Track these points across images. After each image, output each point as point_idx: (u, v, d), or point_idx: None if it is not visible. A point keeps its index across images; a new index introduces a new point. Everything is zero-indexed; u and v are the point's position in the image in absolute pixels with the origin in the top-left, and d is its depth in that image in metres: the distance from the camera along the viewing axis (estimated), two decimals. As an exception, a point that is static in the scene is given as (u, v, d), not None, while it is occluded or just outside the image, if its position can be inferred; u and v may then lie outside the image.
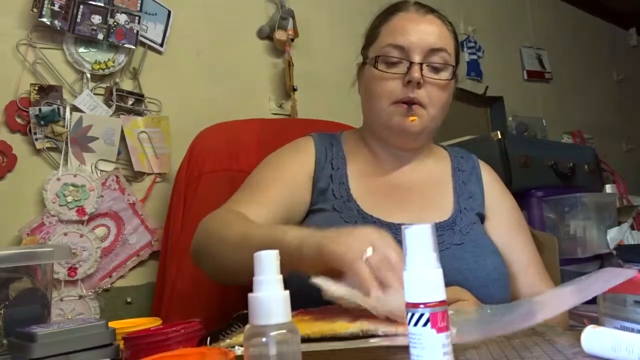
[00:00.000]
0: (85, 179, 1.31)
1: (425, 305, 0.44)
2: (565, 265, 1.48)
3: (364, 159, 1.02)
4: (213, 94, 1.60)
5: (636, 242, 1.53)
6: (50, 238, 1.26)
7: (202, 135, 1.31)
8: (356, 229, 0.65)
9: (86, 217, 1.30)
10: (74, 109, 1.34)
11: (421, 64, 0.92)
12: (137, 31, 1.41)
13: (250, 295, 0.43)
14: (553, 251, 1.35)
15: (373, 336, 0.56)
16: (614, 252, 1.49)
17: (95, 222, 1.34)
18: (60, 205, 1.27)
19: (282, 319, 0.42)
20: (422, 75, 0.92)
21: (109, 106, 1.39)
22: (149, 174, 1.44)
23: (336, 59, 1.88)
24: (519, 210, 1.08)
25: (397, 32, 0.95)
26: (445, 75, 0.95)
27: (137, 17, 1.42)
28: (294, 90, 1.72)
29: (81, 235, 1.30)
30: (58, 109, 1.30)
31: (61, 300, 1.26)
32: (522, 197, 1.54)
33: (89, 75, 1.36)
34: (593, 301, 0.61)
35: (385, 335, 0.56)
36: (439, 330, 0.43)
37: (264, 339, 0.41)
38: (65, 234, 1.28)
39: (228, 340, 0.58)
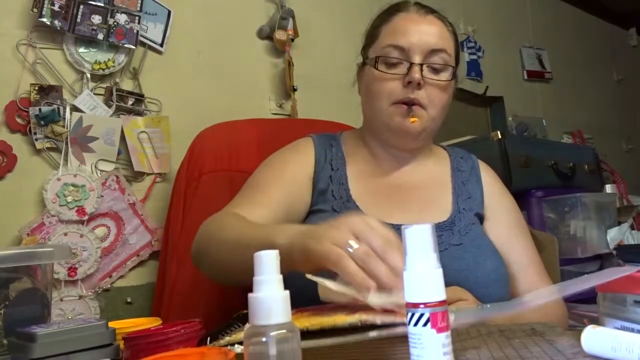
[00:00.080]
0: (85, 179, 1.31)
1: (425, 305, 0.44)
2: (565, 265, 1.48)
3: (364, 159, 1.02)
4: (213, 94, 1.60)
5: (636, 242, 1.53)
6: (50, 238, 1.26)
7: (202, 135, 1.31)
8: (337, 219, 0.63)
9: (86, 217, 1.30)
10: (74, 109, 1.34)
11: (421, 65, 0.92)
12: (137, 31, 1.41)
13: (250, 295, 0.43)
14: (553, 251, 1.35)
15: (372, 327, 0.56)
16: (614, 252, 1.49)
17: (95, 222, 1.34)
18: (60, 205, 1.27)
19: (282, 319, 0.42)
20: (422, 76, 0.92)
21: (109, 106, 1.39)
22: (149, 174, 1.44)
23: (336, 59, 1.88)
24: (519, 210, 1.08)
25: (398, 33, 0.95)
26: (445, 76, 0.95)
27: (137, 17, 1.42)
28: (294, 90, 1.72)
29: (81, 235, 1.30)
30: (58, 109, 1.30)
31: (61, 300, 1.26)
32: (522, 197, 1.54)
33: (89, 75, 1.36)
34: (593, 301, 0.61)
35: (384, 325, 0.56)
36: (439, 330, 0.43)
37: (264, 339, 0.41)
38: (65, 234, 1.28)
39: (227, 338, 0.58)
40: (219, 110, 1.53)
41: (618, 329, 0.54)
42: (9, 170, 1.25)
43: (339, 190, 0.96)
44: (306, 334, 0.56)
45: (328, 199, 0.95)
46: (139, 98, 1.44)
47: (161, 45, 1.51)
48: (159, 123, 1.46)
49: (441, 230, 0.92)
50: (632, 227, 1.57)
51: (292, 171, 0.97)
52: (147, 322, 0.71)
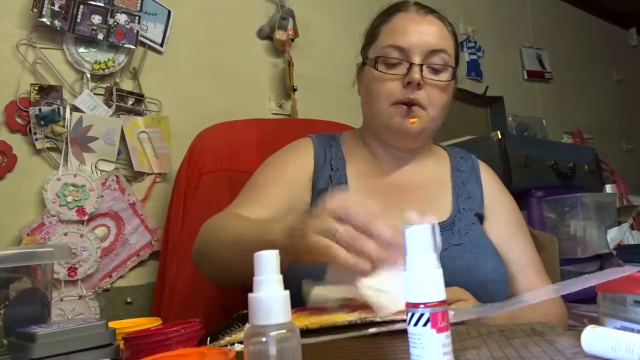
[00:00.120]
0: (85, 179, 1.31)
1: (425, 305, 0.44)
2: (565, 265, 1.48)
3: (363, 159, 1.02)
4: (213, 94, 1.60)
5: (636, 242, 1.53)
6: (50, 238, 1.26)
7: (202, 135, 1.31)
8: (317, 207, 0.62)
9: (86, 217, 1.30)
10: (74, 109, 1.34)
11: (421, 65, 0.92)
12: (137, 31, 1.41)
13: (250, 295, 0.43)
14: (553, 251, 1.35)
15: (371, 323, 0.56)
16: (614, 252, 1.49)
17: (95, 222, 1.34)
18: (60, 205, 1.27)
19: (282, 319, 0.42)
20: (422, 76, 0.92)
21: (109, 106, 1.39)
22: (149, 174, 1.44)
23: (336, 59, 1.88)
24: (518, 210, 1.08)
25: (398, 33, 0.95)
26: (445, 76, 0.95)
27: (137, 17, 1.42)
28: (294, 90, 1.72)
29: (81, 235, 1.30)
30: (58, 109, 1.30)
31: (61, 300, 1.26)
32: (522, 197, 1.54)
33: (89, 75, 1.36)
34: (593, 301, 0.61)
35: (383, 321, 0.56)
36: (439, 330, 0.43)
37: (264, 339, 0.41)
38: (65, 234, 1.28)
39: (227, 338, 0.58)
40: (219, 110, 1.53)
41: (618, 329, 0.54)
42: (9, 170, 1.25)
43: (339, 190, 0.96)
44: (306, 332, 0.56)
45: (328, 198, 0.95)
46: (139, 98, 1.44)
47: (161, 45, 1.51)
48: (159, 123, 1.46)
49: (441, 230, 0.92)
50: (632, 227, 1.57)
51: (292, 171, 0.97)
52: (147, 322, 0.71)
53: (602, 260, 1.58)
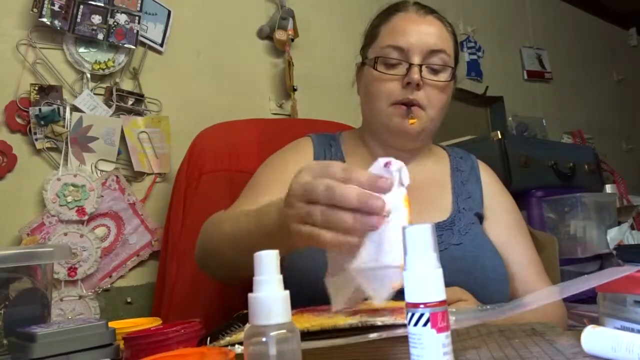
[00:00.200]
0: (85, 179, 1.31)
1: (425, 305, 0.44)
2: (565, 265, 1.48)
3: (363, 159, 1.02)
4: (213, 94, 1.60)
5: (636, 242, 1.53)
6: (50, 238, 1.26)
7: (202, 135, 1.31)
8: (287, 194, 0.60)
9: (86, 217, 1.30)
10: (74, 109, 1.34)
11: (420, 66, 0.92)
12: (137, 31, 1.41)
13: (250, 295, 0.43)
14: (553, 251, 1.35)
15: (372, 327, 0.56)
16: (614, 252, 1.49)
17: (95, 222, 1.34)
18: (60, 205, 1.27)
19: (282, 319, 0.42)
20: (421, 76, 0.92)
21: (109, 106, 1.39)
22: (149, 174, 1.44)
23: (336, 59, 1.88)
24: (518, 210, 1.08)
25: (397, 33, 0.95)
26: (444, 76, 0.95)
27: (137, 17, 1.42)
28: (294, 90, 1.72)
29: (81, 235, 1.30)
30: (58, 109, 1.30)
31: (61, 300, 1.26)
32: (522, 197, 1.54)
33: (89, 75, 1.36)
34: (593, 301, 0.61)
35: (384, 326, 0.56)
36: (439, 330, 0.43)
37: (264, 339, 0.41)
38: (65, 234, 1.28)
39: (228, 338, 0.59)
40: (219, 110, 1.53)
41: (618, 329, 0.54)
42: (9, 170, 1.25)
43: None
44: (306, 335, 0.56)
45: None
46: (139, 98, 1.44)
47: (161, 45, 1.51)
48: (159, 123, 1.46)
49: (441, 229, 0.93)
50: (632, 227, 1.57)
51: (293, 171, 0.95)
52: (147, 322, 0.71)
53: (602, 260, 1.58)
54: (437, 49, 0.94)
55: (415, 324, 0.44)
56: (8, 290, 0.67)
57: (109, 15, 1.37)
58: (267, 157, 1.04)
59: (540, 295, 0.67)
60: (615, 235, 1.53)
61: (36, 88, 1.29)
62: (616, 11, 3.41)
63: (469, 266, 0.88)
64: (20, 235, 1.24)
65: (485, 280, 0.87)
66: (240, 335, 0.58)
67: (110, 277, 1.35)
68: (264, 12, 1.75)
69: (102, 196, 1.34)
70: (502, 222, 1.02)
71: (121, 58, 1.40)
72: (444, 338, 0.44)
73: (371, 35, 1.01)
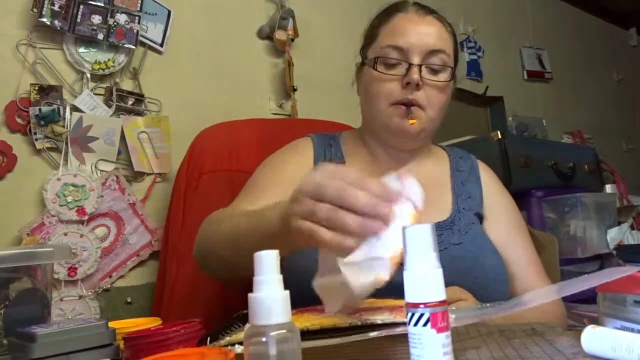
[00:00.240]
0: (85, 179, 1.31)
1: (425, 305, 0.44)
2: (565, 265, 1.48)
3: (363, 159, 1.02)
4: (213, 94, 1.60)
5: (636, 242, 1.53)
6: (50, 238, 1.26)
7: (202, 135, 1.31)
8: (295, 190, 0.60)
9: (86, 217, 1.30)
10: (74, 109, 1.34)
11: (420, 66, 0.92)
12: (137, 31, 1.41)
13: (250, 295, 0.43)
14: (553, 251, 1.35)
15: (372, 326, 0.56)
16: (614, 252, 1.49)
17: (95, 222, 1.34)
18: (60, 205, 1.27)
19: (282, 319, 0.42)
20: (421, 76, 0.92)
21: (109, 106, 1.39)
22: (149, 174, 1.44)
23: (336, 59, 1.88)
24: (518, 211, 1.08)
25: (397, 33, 0.95)
26: (444, 76, 0.95)
27: (137, 17, 1.42)
28: (294, 90, 1.72)
29: (81, 235, 1.30)
30: (58, 109, 1.30)
31: (61, 300, 1.26)
32: (522, 197, 1.54)
33: (89, 75, 1.36)
34: (593, 301, 0.61)
35: (384, 324, 0.56)
36: (439, 330, 0.43)
37: (264, 339, 0.41)
38: (65, 234, 1.28)
39: (228, 338, 0.59)
40: (219, 110, 1.53)
41: (618, 329, 0.54)
42: (9, 170, 1.25)
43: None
44: (306, 334, 0.56)
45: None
46: (139, 98, 1.44)
47: (161, 45, 1.51)
48: (159, 123, 1.46)
49: (441, 229, 0.93)
50: (632, 227, 1.57)
51: (292, 171, 0.97)
52: (147, 322, 0.71)
53: (602, 260, 1.58)
54: (436, 49, 0.94)
55: (415, 324, 0.44)
56: (8, 290, 0.67)
57: (109, 15, 1.37)
58: (267, 157, 1.04)
59: (539, 294, 0.67)
60: (615, 235, 1.53)
61: (36, 88, 1.29)
62: (616, 11, 3.41)
63: (469, 266, 0.88)
64: (20, 235, 1.24)
65: (485, 280, 0.87)
66: (240, 335, 0.58)
67: (110, 277, 1.35)
68: (264, 12, 1.75)
69: (102, 196, 1.34)
70: (502, 222, 1.02)
71: (121, 58, 1.40)
72: (444, 338, 0.44)
73: (371, 36, 1.01)
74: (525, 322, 0.67)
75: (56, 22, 1.30)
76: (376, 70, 0.95)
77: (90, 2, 1.35)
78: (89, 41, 1.36)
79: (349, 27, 1.87)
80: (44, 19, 1.29)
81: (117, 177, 1.38)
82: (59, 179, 1.28)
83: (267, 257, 0.44)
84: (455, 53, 1.00)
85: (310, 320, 0.59)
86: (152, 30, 1.49)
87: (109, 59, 1.39)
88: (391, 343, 0.56)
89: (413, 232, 0.46)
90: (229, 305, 1.13)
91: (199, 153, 1.28)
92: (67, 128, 1.31)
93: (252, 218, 0.75)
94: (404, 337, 0.46)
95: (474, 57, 2.48)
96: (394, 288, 0.53)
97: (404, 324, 0.46)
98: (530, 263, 0.99)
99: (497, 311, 0.57)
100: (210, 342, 0.60)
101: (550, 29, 2.97)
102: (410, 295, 0.45)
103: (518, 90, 2.71)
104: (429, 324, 0.43)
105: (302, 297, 0.58)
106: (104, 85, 1.40)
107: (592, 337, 0.50)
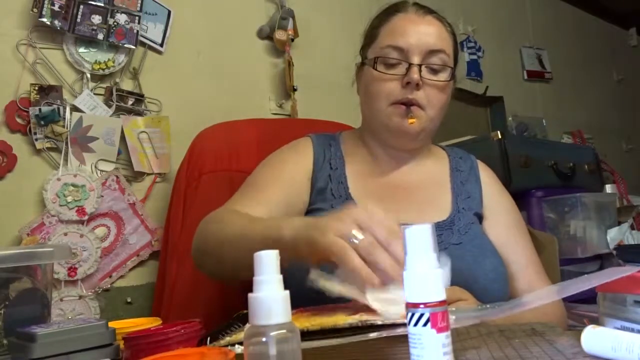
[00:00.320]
0: (85, 179, 1.31)
1: (425, 305, 0.44)
2: (565, 265, 1.48)
3: (363, 159, 1.02)
4: (213, 94, 1.60)
5: (636, 242, 1.53)
6: (50, 238, 1.26)
7: (202, 135, 1.31)
8: (344, 212, 0.63)
9: (86, 217, 1.30)
10: (74, 109, 1.34)
11: (420, 65, 0.92)
12: (137, 31, 1.41)
13: (250, 295, 0.43)
14: (553, 251, 1.35)
15: (372, 326, 0.56)
16: (614, 252, 1.49)
17: (95, 222, 1.34)
18: (60, 205, 1.27)
19: (282, 319, 0.42)
20: (420, 76, 0.92)
21: (109, 106, 1.39)
22: (149, 174, 1.44)
23: (336, 59, 1.88)
24: (518, 211, 1.08)
25: (397, 33, 0.95)
26: (443, 76, 0.95)
27: (137, 17, 1.42)
28: (294, 90, 1.72)
29: (81, 235, 1.30)
30: (58, 109, 1.30)
31: (61, 300, 1.26)
32: (522, 197, 1.54)
33: (89, 75, 1.36)
34: (593, 301, 0.61)
35: (384, 325, 0.56)
36: (439, 330, 0.43)
37: (264, 339, 0.41)
38: (65, 234, 1.28)
39: (228, 338, 0.58)
40: (219, 110, 1.53)
41: (618, 329, 0.54)
42: (9, 170, 1.25)
43: (338, 189, 0.96)
44: (306, 335, 0.56)
45: (327, 197, 0.95)
46: (139, 98, 1.44)
47: (161, 45, 1.51)
48: (159, 123, 1.46)
49: (441, 229, 0.93)
50: (632, 227, 1.57)
51: (291, 171, 0.97)
52: (147, 322, 0.71)
53: (602, 260, 1.58)
54: (436, 49, 0.94)
55: (415, 324, 0.44)
56: (8, 290, 0.67)
57: (109, 15, 1.37)
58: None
59: (539, 295, 0.67)
60: (615, 235, 1.53)
61: (36, 88, 1.29)
62: (616, 11, 3.41)
63: (469, 266, 0.88)
64: (20, 235, 1.24)
65: (484, 280, 0.87)
66: (240, 335, 0.58)
67: (110, 277, 1.35)
68: (264, 12, 1.75)
69: (102, 196, 1.34)
70: (502, 222, 1.02)
71: (121, 58, 1.40)
72: (444, 338, 0.44)
73: (371, 36, 1.01)
74: (525, 322, 0.67)
75: (56, 22, 1.30)
76: (376, 70, 0.95)
77: (90, 2, 1.35)
78: (89, 41, 1.36)
79: (349, 27, 1.87)
80: (44, 19, 1.29)
81: (117, 177, 1.38)
82: (59, 179, 1.28)
83: (267, 257, 0.44)
84: (455, 53, 1.00)
85: (310, 321, 0.59)
86: (152, 30, 1.49)
87: (109, 59, 1.39)
88: (391, 343, 0.56)
89: (413, 232, 0.46)
90: (229, 305, 1.13)
91: (199, 153, 1.28)
92: (67, 128, 1.31)
93: (258, 226, 0.75)
94: (404, 337, 0.46)
95: (474, 57, 2.48)
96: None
97: (404, 324, 0.46)
98: (530, 263, 0.99)
99: (497, 312, 0.57)
100: (210, 342, 0.60)
101: (550, 29, 2.97)
102: (410, 295, 0.45)
103: (518, 90, 2.71)
104: (429, 324, 0.43)
105: (302, 297, 0.58)
106: (104, 85, 1.40)
107: (592, 337, 0.50)
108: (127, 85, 1.44)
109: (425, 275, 0.45)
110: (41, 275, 0.70)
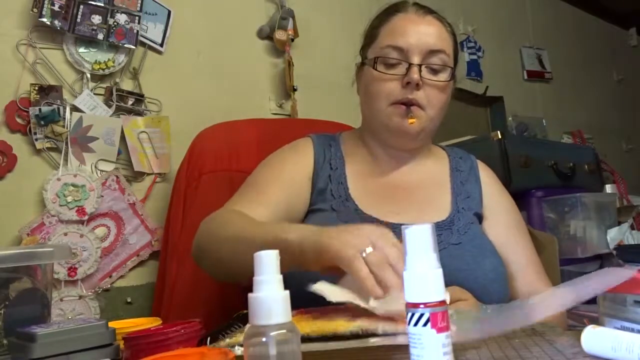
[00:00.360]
0: (85, 179, 1.31)
1: (425, 305, 0.44)
2: (565, 265, 1.47)
3: (363, 159, 1.02)
4: (213, 94, 1.60)
5: (636, 242, 1.52)
6: (50, 238, 1.26)
7: (202, 135, 1.31)
8: (357, 226, 0.65)
9: (86, 217, 1.30)
10: (74, 109, 1.34)
11: (420, 66, 0.92)
12: (137, 31, 1.41)
13: (250, 295, 0.43)
14: (553, 251, 1.35)
15: (373, 335, 0.56)
16: (614, 252, 1.49)
17: (95, 222, 1.34)
18: (60, 205, 1.27)
19: (282, 319, 0.42)
20: (420, 76, 0.92)
21: (109, 106, 1.39)
22: (149, 174, 1.44)
23: (336, 59, 1.88)
24: (518, 211, 1.08)
25: (397, 33, 0.95)
26: (443, 76, 0.95)
27: (137, 17, 1.42)
28: (294, 90, 1.72)
29: (81, 235, 1.30)
30: (58, 109, 1.30)
31: (61, 300, 1.26)
32: (522, 197, 1.54)
33: (89, 75, 1.36)
34: (593, 301, 0.61)
35: (385, 334, 0.56)
36: (439, 330, 0.43)
37: (264, 339, 0.41)
38: (65, 234, 1.28)
39: (228, 340, 0.59)
40: (219, 110, 1.53)
41: (618, 329, 0.54)
42: (9, 170, 1.25)
43: (338, 189, 0.96)
44: (307, 340, 0.56)
45: (327, 198, 0.95)
46: (139, 98, 1.44)
47: (161, 45, 1.51)
48: (159, 123, 1.46)
49: (440, 229, 0.93)
50: (632, 227, 1.57)
51: (291, 171, 0.97)
52: (147, 322, 0.71)
53: (602, 260, 1.58)
54: (436, 49, 0.94)
55: (415, 324, 0.44)
56: (8, 290, 0.67)
57: (109, 15, 1.37)
58: (267, 157, 1.04)
59: (548, 305, 0.67)
60: (615, 235, 1.53)
61: (36, 88, 1.29)
62: (616, 11, 3.41)
63: (469, 266, 0.88)
64: (20, 235, 1.24)
65: (484, 280, 0.87)
66: (240, 337, 0.58)
67: (110, 277, 1.35)
68: (264, 12, 1.75)
69: (102, 196, 1.34)
70: (502, 222, 1.02)
71: (121, 58, 1.40)
72: (444, 338, 0.44)
73: (371, 36, 1.01)
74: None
75: (56, 22, 1.30)
76: (376, 70, 0.95)
77: (90, 2, 1.35)
78: (89, 41, 1.36)
79: (349, 27, 1.87)
80: (44, 19, 1.29)
81: (117, 177, 1.38)
82: (59, 179, 1.28)
83: (267, 257, 0.44)
84: (455, 53, 1.00)
85: (311, 326, 0.59)
86: (152, 30, 1.49)
87: (109, 59, 1.39)
88: (392, 346, 0.56)
89: (413, 232, 0.46)
90: (229, 305, 1.12)
91: (199, 153, 1.28)
92: (67, 128, 1.31)
93: (263, 229, 0.76)
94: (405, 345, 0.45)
95: (474, 57, 2.48)
96: None
97: (405, 334, 0.46)
98: (530, 263, 0.99)
99: (501, 325, 0.57)
100: (211, 342, 0.60)
101: (550, 29, 2.97)
102: (410, 295, 0.45)
103: (518, 90, 2.71)
104: (429, 324, 0.43)
105: (302, 297, 0.58)
106: (104, 85, 1.40)
107: (592, 337, 0.50)
108: (127, 85, 1.44)
109: (425, 275, 0.45)
110: (41, 275, 0.70)
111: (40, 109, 1.27)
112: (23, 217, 1.25)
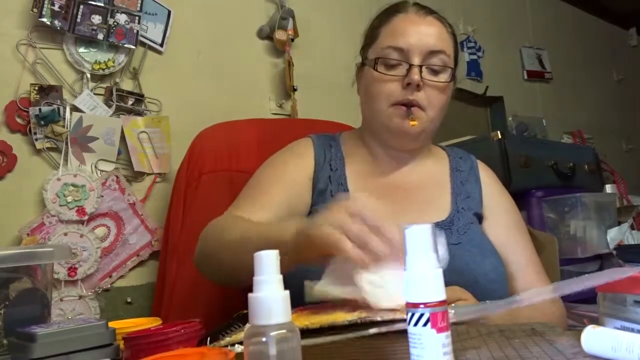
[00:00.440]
0: (85, 179, 1.31)
1: (425, 305, 0.44)
2: (565, 265, 1.48)
3: (363, 159, 1.02)
4: (213, 94, 1.60)
5: (636, 242, 1.53)
6: (50, 238, 1.26)
7: (202, 135, 1.31)
8: (334, 203, 0.66)
9: (86, 217, 1.30)
10: (74, 109, 1.34)
11: (420, 66, 0.92)
12: (137, 31, 1.41)
13: (250, 295, 0.43)
14: (553, 251, 1.35)
15: (372, 323, 0.56)
16: (614, 252, 1.49)
17: (95, 222, 1.34)
18: (60, 205, 1.27)
19: (282, 319, 0.42)
20: (421, 77, 0.92)
21: (109, 106, 1.39)
22: (149, 174, 1.44)
23: (336, 59, 1.88)
24: (518, 211, 1.08)
25: (397, 34, 0.95)
26: (444, 77, 0.95)
27: (137, 17, 1.42)
28: (294, 90, 1.72)
29: (81, 235, 1.30)
30: (58, 109, 1.30)
31: (61, 300, 1.26)
32: (522, 197, 1.54)
33: (89, 75, 1.36)
34: (593, 301, 0.61)
35: (383, 321, 0.56)
36: (439, 330, 0.43)
37: (264, 339, 0.41)
38: (65, 234, 1.28)
39: (228, 338, 0.59)
40: (219, 110, 1.53)
41: (618, 329, 0.54)
42: (9, 170, 1.25)
43: (338, 190, 0.96)
44: (306, 332, 0.56)
45: (327, 199, 0.95)
46: (139, 98, 1.44)
47: (161, 45, 1.51)
48: (159, 123, 1.46)
49: (440, 229, 0.92)
50: (632, 227, 1.57)
51: (293, 172, 0.97)
52: (147, 322, 0.71)
53: (602, 260, 1.58)
54: (436, 50, 0.94)
55: (415, 324, 0.44)
56: (8, 290, 0.67)
57: (109, 15, 1.37)
58: (267, 157, 1.04)
59: (537, 292, 0.68)
60: (615, 235, 1.53)
61: (36, 88, 1.29)
62: (616, 11, 3.41)
63: (468, 266, 0.88)
64: (20, 235, 1.24)
65: (484, 279, 0.87)
66: (240, 336, 0.58)
67: (110, 277, 1.35)
68: (264, 12, 1.75)
69: (102, 196, 1.34)
70: (502, 222, 1.02)
71: (121, 58, 1.40)
72: (444, 338, 0.44)
73: (371, 36, 1.01)
74: (525, 322, 0.67)
75: (56, 22, 1.30)
76: (376, 70, 0.95)
77: (90, 2, 1.35)
78: (89, 41, 1.36)
79: (349, 27, 1.87)
80: (44, 19, 1.29)
81: (117, 177, 1.38)
82: (59, 179, 1.28)
83: (267, 257, 0.44)
84: (456, 53, 1.00)
85: (310, 319, 0.59)
86: (152, 30, 1.49)
87: (109, 59, 1.39)
88: (391, 343, 0.56)
89: (413, 232, 0.46)
90: (229, 305, 1.13)
91: (199, 153, 1.28)
92: (67, 128, 1.31)
93: (264, 230, 0.76)
94: (404, 336, 0.45)
95: (474, 57, 2.48)
96: None
97: (403, 320, 0.46)
98: (530, 263, 0.99)
99: (495, 307, 0.57)
100: (211, 342, 0.60)
101: (550, 29, 2.97)
102: (410, 295, 0.45)
103: (518, 90, 2.71)
104: (429, 324, 0.43)
105: (302, 297, 0.58)
106: (104, 85, 1.40)
107: (592, 337, 0.50)
108: (127, 85, 1.44)
109: (425, 275, 0.45)
110: (41, 275, 0.70)
111: (40, 109, 1.28)
112: (23, 217, 1.25)
